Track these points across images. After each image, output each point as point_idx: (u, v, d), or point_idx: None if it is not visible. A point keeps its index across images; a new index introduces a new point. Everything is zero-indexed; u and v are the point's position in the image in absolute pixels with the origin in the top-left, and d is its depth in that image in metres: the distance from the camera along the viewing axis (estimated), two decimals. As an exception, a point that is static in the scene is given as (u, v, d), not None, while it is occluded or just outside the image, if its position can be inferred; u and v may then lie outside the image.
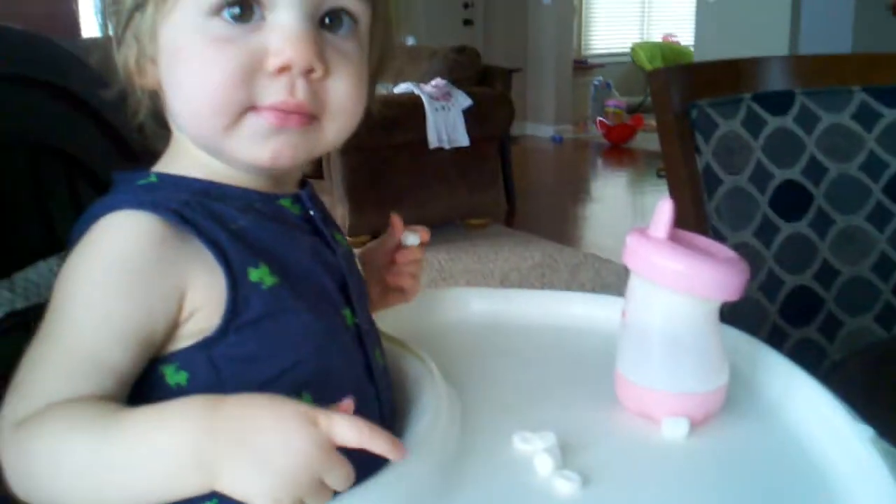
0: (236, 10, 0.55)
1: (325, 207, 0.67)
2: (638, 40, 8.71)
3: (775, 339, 1.19)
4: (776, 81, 1.23)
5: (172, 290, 0.54)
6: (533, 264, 3.95)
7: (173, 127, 0.61)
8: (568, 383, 0.72)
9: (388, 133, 4.18)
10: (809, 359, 1.23)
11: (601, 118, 7.47)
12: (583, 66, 8.17)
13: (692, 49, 7.31)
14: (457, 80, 4.44)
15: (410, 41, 6.39)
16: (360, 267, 0.70)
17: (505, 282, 3.70)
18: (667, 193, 1.12)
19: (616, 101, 7.68)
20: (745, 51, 6.30)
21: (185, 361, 0.55)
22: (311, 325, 0.58)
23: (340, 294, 0.63)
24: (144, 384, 0.54)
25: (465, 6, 7.31)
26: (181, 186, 0.58)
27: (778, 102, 1.21)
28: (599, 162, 7.01)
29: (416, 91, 4.29)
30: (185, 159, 0.60)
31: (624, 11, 8.82)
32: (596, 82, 7.96)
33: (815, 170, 1.24)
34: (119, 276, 0.53)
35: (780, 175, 1.21)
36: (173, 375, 0.55)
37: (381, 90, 4.60)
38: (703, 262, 0.62)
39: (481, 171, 4.51)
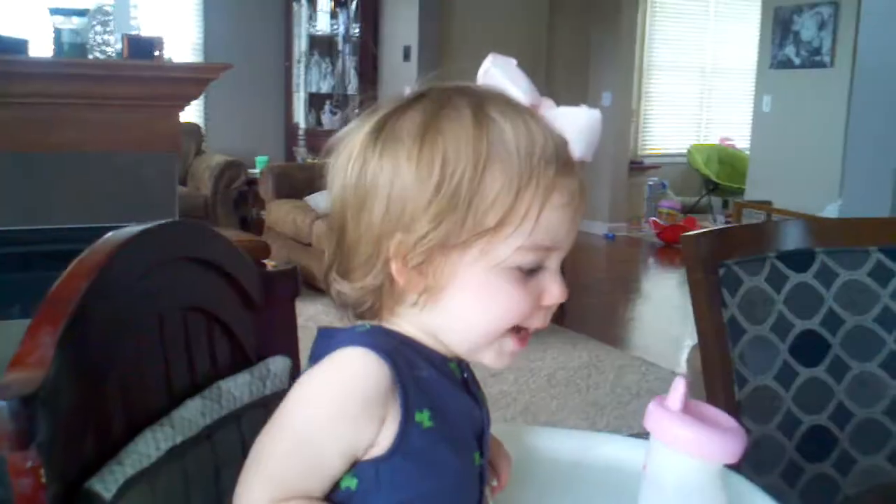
0: (533, 267, 0.73)
1: (472, 371, 0.84)
2: (695, 142, 8.90)
3: (791, 474, 1.32)
4: (798, 241, 1.39)
5: (380, 419, 0.71)
6: (580, 364, 4.07)
7: (405, 314, 0.77)
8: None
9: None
10: (825, 492, 1.36)
11: (655, 218, 7.62)
12: (639, 166, 8.36)
13: (747, 153, 7.47)
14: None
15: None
16: None
17: (552, 381, 3.83)
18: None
19: (671, 202, 7.83)
20: (800, 159, 6.45)
21: (359, 471, 0.71)
22: (451, 462, 0.75)
23: (476, 441, 0.79)
24: None
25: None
26: (389, 335, 0.75)
27: (799, 260, 1.37)
28: (651, 261, 7.14)
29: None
30: (393, 324, 0.77)
31: (682, 114, 9.04)
32: (651, 182, 8.14)
33: (833, 321, 1.39)
34: (352, 405, 0.70)
35: (800, 325, 1.36)
36: (347, 480, 0.72)
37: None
38: (710, 430, 0.78)
39: (535, 270, 4.67)
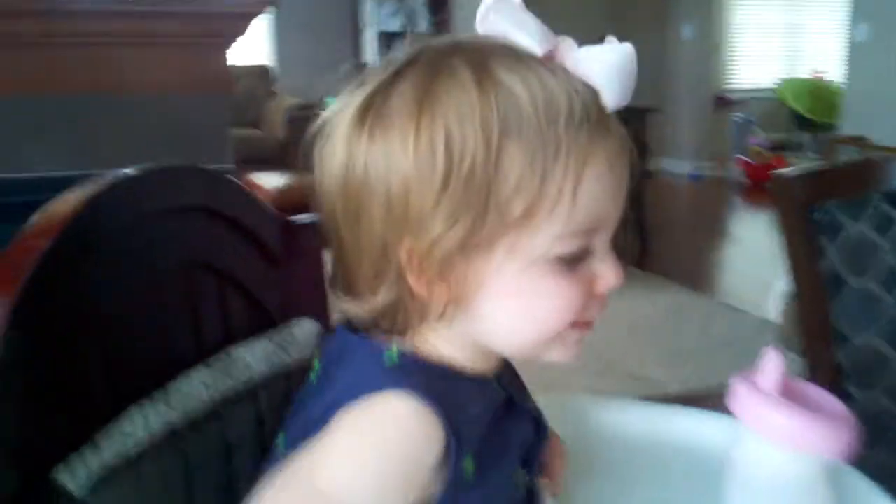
0: (578, 253, 0.60)
1: (519, 378, 0.72)
2: (784, 75, 8.47)
3: (900, 446, 1.16)
4: (911, 178, 1.20)
5: (430, 474, 0.58)
6: (664, 311, 3.90)
7: (437, 326, 0.63)
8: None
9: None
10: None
11: (742, 156, 7.30)
12: (724, 101, 8.01)
13: (842, 86, 7.07)
14: (592, 121, 4.43)
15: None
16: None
17: (632, 328, 3.67)
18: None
19: (759, 139, 7.48)
20: (899, 92, 6.05)
21: None
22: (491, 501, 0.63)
23: (522, 466, 0.67)
24: None
25: (601, 40, 7.27)
26: (424, 365, 0.62)
27: (912, 200, 1.19)
28: (739, 202, 6.85)
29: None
30: (426, 345, 0.64)
31: (770, 46, 8.59)
32: (737, 118, 7.79)
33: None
34: (401, 479, 0.58)
35: (911, 275, 1.18)
36: None
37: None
38: (812, 418, 0.63)
39: (614, 212, 4.49)
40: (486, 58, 0.58)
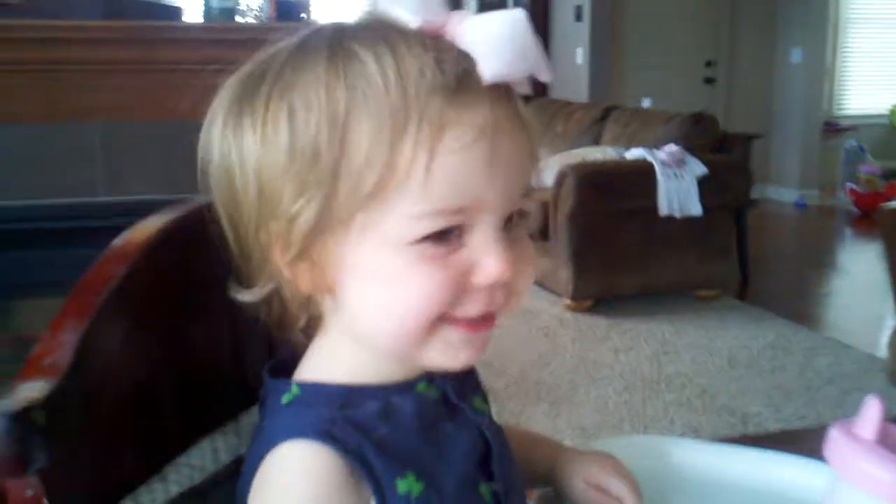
0: (445, 236, 0.55)
1: (463, 373, 0.66)
2: (897, 102, 8.14)
3: None
4: None
5: None
6: (764, 344, 3.77)
7: (331, 330, 0.62)
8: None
9: (617, 199, 4.17)
10: None
11: (851, 184, 7.02)
12: (833, 128, 7.73)
13: (959, 113, 6.74)
14: (692, 147, 4.34)
15: (646, 103, 6.33)
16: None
17: (732, 361, 3.55)
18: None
19: (870, 167, 7.19)
20: None
21: None
22: None
23: (479, 470, 0.62)
24: None
25: (708, 64, 7.15)
26: (322, 397, 0.59)
27: None
28: (847, 232, 6.59)
29: (649, 157, 4.25)
30: (328, 361, 0.62)
31: (883, 71, 8.26)
32: (847, 146, 7.50)
33: None
34: None
35: None
36: None
37: (614, 154, 4.59)
38: (915, 470, 0.58)
39: (714, 240, 4.38)
40: (347, 33, 0.56)
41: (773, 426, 2.87)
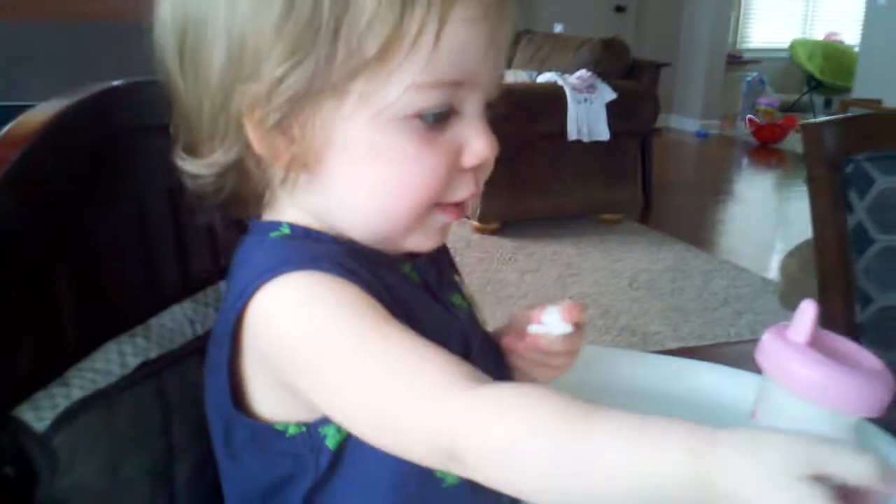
0: (440, 113, 0.53)
1: (442, 266, 0.66)
2: (799, 37, 8.31)
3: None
4: (946, 133, 1.14)
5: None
6: (665, 267, 3.85)
7: (282, 197, 0.59)
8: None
9: (527, 122, 4.15)
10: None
11: (751, 116, 7.19)
12: (737, 60, 7.87)
13: (856, 50, 6.93)
14: (603, 73, 4.35)
15: (558, 28, 6.30)
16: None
17: (634, 283, 3.62)
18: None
19: (769, 99, 7.37)
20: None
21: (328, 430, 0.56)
22: None
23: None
24: None
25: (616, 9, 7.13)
26: (319, 240, 0.57)
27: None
28: (745, 161, 6.76)
29: (560, 81, 4.24)
30: (288, 214, 0.59)
31: (785, 6, 8.42)
32: (749, 78, 7.66)
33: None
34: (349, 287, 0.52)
35: (941, 235, 1.12)
36: (327, 428, 0.55)
37: (525, 77, 4.56)
38: (845, 373, 0.58)
39: (619, 166, 4.43)
40: None
41: (672, 345, 2.95)
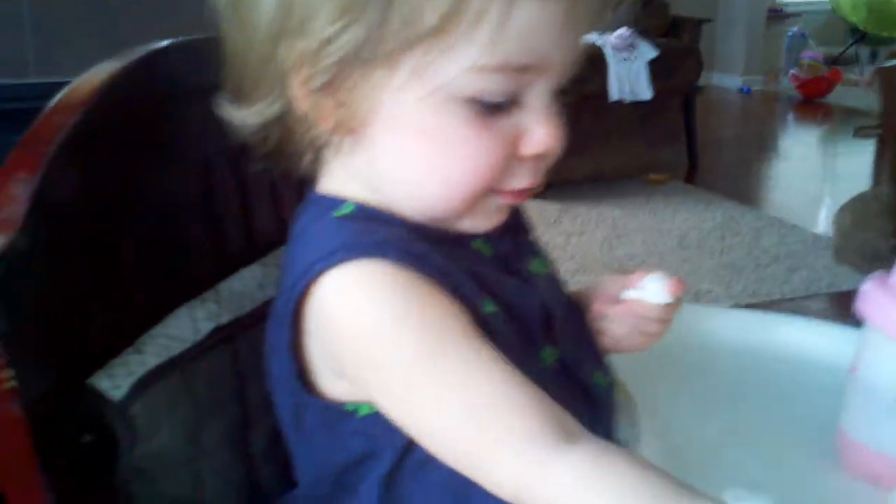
0: (501, 99, 0.49)
1: (518, 231, 0.62)
2: (841, -14, 8.10)
3: None
4: None
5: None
6: (713, 226, 3.79)
7: (335, 164, 0.55)
8: (783, 429, 0.65)
9: (567, 84, 4.09)
10: None
11: (794, 70, 7.02)
12: (778, 14, 7.68)
13: (903, -3, 6.74)
14: (643, 31, 4.26)
15: (595, -14, 6.19)
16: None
17: (683, 242, 3.57)
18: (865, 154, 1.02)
19: (812, 53, 7.18)
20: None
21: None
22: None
23: (543, 334, 0.57)
24: None
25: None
26: (383, 220, 0.53)
27: None
28: (790, 117, 6.62)
29: (599, 42, 4.16)
30: (348, 187, 0.55)
31: (827, -46, 8.19)
32: (791, 32, 7.48)
33: None
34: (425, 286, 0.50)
35: None
36: (366, 408, 0.53)
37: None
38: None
39: (663, 126, 4.36)
40: None
41: (726, 302, 2.90)
